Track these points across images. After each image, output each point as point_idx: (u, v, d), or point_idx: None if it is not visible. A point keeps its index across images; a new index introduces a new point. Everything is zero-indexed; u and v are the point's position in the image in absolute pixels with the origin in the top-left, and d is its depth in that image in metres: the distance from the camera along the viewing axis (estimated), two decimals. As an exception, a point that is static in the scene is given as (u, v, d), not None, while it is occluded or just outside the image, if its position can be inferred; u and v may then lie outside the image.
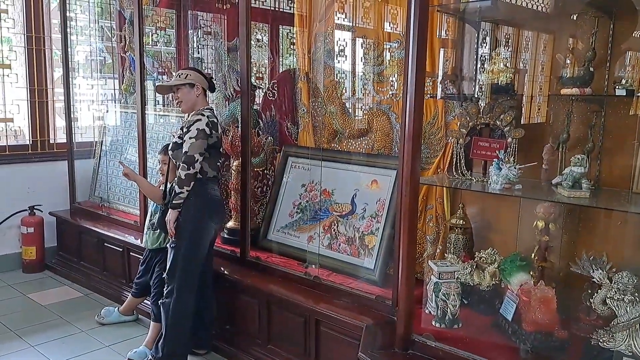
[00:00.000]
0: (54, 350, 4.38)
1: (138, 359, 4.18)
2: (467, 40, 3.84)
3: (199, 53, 5.80)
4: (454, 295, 3.25)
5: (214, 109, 4.35)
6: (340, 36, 4.66)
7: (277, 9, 5.99)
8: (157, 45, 6.17)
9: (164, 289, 3.98)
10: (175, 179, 3.89)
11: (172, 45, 6.23)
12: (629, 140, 2.99)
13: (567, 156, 3.17)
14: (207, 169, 3.92)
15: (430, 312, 3.40)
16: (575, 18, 3.29)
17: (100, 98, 6.57)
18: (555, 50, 3.47)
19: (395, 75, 4.31)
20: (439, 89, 3.94)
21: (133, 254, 5.21)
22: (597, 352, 2.72)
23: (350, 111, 4.75)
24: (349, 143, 4.60)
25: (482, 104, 3.47)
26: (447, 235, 3.80)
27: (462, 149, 3.47)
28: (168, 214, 3.92)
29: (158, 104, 6.09)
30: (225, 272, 4.41)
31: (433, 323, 3.29)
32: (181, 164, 3.82)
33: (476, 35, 3.77)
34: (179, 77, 4.04)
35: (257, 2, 5.66)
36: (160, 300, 4.01)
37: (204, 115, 3.89)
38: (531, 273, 3.21)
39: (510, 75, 3.32)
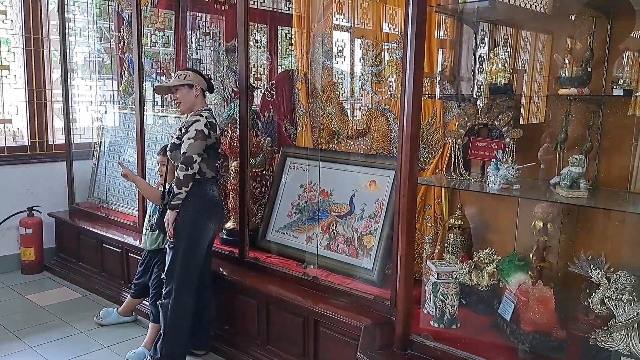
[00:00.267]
0: (53, 351, 4.38)
1: (136, 359, 4.18)
2: (465, 41, 3.84)
3: (197, 54, 5.81)
4: (452, 295, 3.25)
5: (213, 109, 4.36)
6: (339, 37, 4.66)
7: (275, 10, 5.99)
8: (155, 46, 6.17)
9: (163, 290, 3.97)
10: (174, 179, 3.89)
11: (171, 46, 6.23)
12: (627, 140, 3.00)
13: (565, 156, 3.17)
14: (206, 170, 3.92)
15: (428, 312, 3.40)
16: (573, 18, 3.30)
17: (98, 99, 6.58)
18: (553, 50, 3.48)
19: (394, 76, 4.32)
20: (437, 90, 3.94)
21: (132, 255, 5.21)
22: (596, 351, 2.73)
23: (348, 112, 4.75)
24: (348, 143, 4.60)
25: (480, 104, 3.48)
26: (446, 236, 3.80)
27: (461, 149, 3.48)
28: (166, 214, 3.92)
29: (157, 104, 6.10)
30: (224, 272, 4.41)
31: (431, 323, 3.30)
32: (179, 165, 3.82)
33: (474, 35, 3.77)
34: (178, 77, 4.04)
35: (255, 2, 5.66)
36: (159, 301, 4.01)
37: (203, 116, 3.89)
38: (529, 273, 3.22)
39: (509, 75, 3.33)
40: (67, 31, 6.25)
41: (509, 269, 3.23)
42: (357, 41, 4.58)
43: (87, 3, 6.41)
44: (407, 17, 3.02)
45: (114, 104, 6.47)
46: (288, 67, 5.95)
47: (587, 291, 2.94)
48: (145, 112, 5.49)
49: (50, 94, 6.43)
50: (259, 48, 6.04)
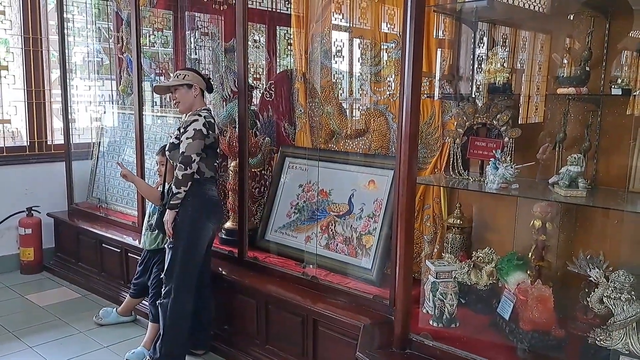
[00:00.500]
0: (52, 351, 4.38)
1: (135, 359, 4.19)
2: (463, 40, 3.84)
3: (196, 54, 5.81)
4: (451, 294, 3.25)
5: (212, 109, 4.36)
6: (337, 37, 4.66)
7: (274, 10, 5.99)
8: (154, 46, 6.17)
9: (162, 290, 3.98)
10: (173, 179, 3.89)
11: (170, 47, 6.24)
12: (625, 140, 3.00)
13: (563, 155, 3.18)
14: (205, 169, 3.92)
15: (427, 311, 3.40)
16: (571, 18, 3.30)
17: (97, 99, 6.58)
18: (552, 50, 3.48)
19: (392, 76, 4.32)
20: (437, 89, 3.95)
21: (131, 255, 5.21)
22: (594, 350, 2.73)
23: (347, 111, 4.75)
24: (346, 143, 4.61)
25: (479, 104, 3.48)
26: (445, 235, 3.81)
27: (459, 149, 3.48)
28: (166, 214, 3.92)
29: (155, 104, 6.10)
30: (223, 272, 4.41)
31: (430, 322, 3.30)
32: (178, 164, 3.82)
33: (473, 35, 3.78)
34: (177, 77, 4.05)
35: (254, 3, 5.66)
36: (158, 301, 4.01)
37: (201, 116, 3.90)
38: (528, 272, 3.22)
39: (507, 75, 3.33)
40: (65, 31, 6.25)
41: (508, 268, 3.23)
42: (356, 41, 4.58)
43: (85, 3, 6.41)
44: (406, 17, 3.02)
45: (112, 104, 6.47)
46: (287, 67, 5.95)
47: (586, 290, 2.94)
48: (144, 112, 5.49)
49: (49, 94, 6.43)
50: (258, 48, 6.04)
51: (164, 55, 6.25)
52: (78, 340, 4.59)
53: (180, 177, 3.80)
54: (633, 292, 2.63)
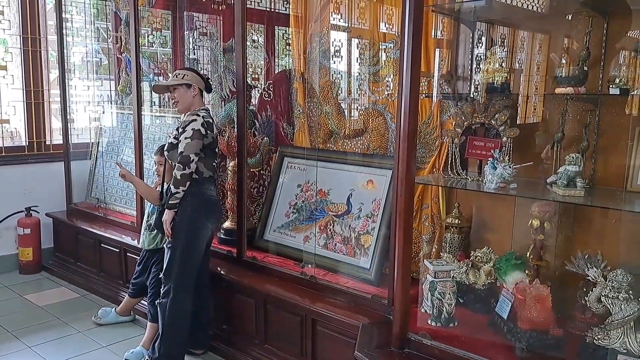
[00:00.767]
0: (51, 351, 4.38)
1: (134, 359, 4.19)
2: (462, 40, 3.84)
3: (194, 54, 5.81)
4: (449, 294, 3.25)
5: (210, 109, 4.36)
6: (336, 37, 4.67)
7: (272, 10, 5.99)
8: (153, 46, 6.18)
9: (161, 289, 3.98)
10: (172, 179, 3.90)
11: (168, 47, 6.24)
12: (623, 139, 3.01)
13: (562, 155, 3.18)
14: (203, 169, 3.92)
15: (426, 311, 3.40)
16: (569, 18, 3.30)
17: (96, 99, 6.58)
18: (550, 50, 3.48)
19: (391, 76, 4.32)
20: (435, 89, 3.95)
21: (130, 255, 5.21)
22: (592, 349, 2.73)
23: (345, 111, 4.75)
24: (345, 143, 4.61)
25: (477, 104, 3.48)
26: (443, 235, 3.81)
27: (458, 149, 3.48)
28: (164, 214, 3.92)
29: (154, 104, 6.10)
30: (222, 272, 4.42)
31: (429, 322, 3.30)
32: (177, 164, 3.82)
33: (471, 35, 3.78)
34: (176, 77, 4.05)
35: (252, 3, 5.66)
36: (157, 301, 4.01)
37: (200, 116, 3.90)
38: (526, 272, 3.22)
39: (505, 74, 3.33)
40: (64, 31, 6.25)
41: (506, 268, 3.23)
42: (354, 41, 4.59)
43: (84, 3, 6.41)
44: (404, 17, 3.03)
45: (111, 104, 6.47)
46: (285, 67, 5.95)
47: (584, 289, 2.94)
48: (142, 112, 5.50)
49: (48, 94, 6.43)
50: (256, 48, 6.05)
51: (163, 55, 6.25)
52: (77, 340, 4.60)
53: (178, 177, 3.80)
54: (631, 291, 2.63)
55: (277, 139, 5.16)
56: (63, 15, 6.23)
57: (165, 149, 4.07)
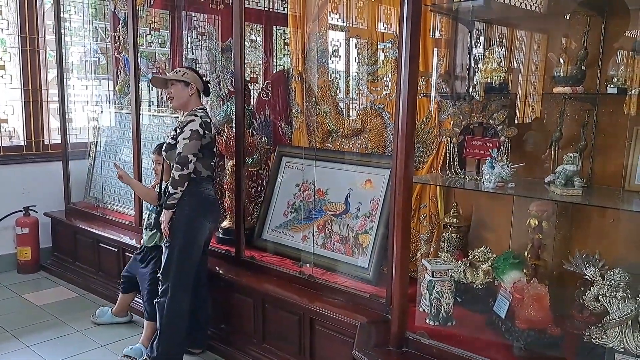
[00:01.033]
0: (50, 351, 4.38)
1: (133, 355, 4.20)
2: (460, 40, 3.85)
3: (193, 54, 5.82)
4: (447, 293, 3.26)
5: (208, 109, 4.36)
6: (334, 36, 4.67)
7: (270, 10, 5.99)
8: (151, 46, 6.18)
9: (159, 288, 3.98)
10: (170, 179, 3.90)
11: (166, 46, 6.24)
12: (621, 139, 3.01)
13: (560, 154, 3.19)
14: (201, 169, 3.92)
15: (424, 310, 3.40)
16: (568, 18, 3.31)
17: (94, 99, 6.58)
18: (548, 49, 3.49)
19: (389, 75, 4.33)
20: (433, 88, 3.95)
21: (128, 254, 5.19)
22: (590, 348, 2.74)
23: (344, 111, 4.76)
24: (343, 143, 4.61)
25: (475, 103, 3.48)
26: (441, 234, 3.81)
27: (456, 148, 3.49)
28: (162, 214, 3.92)
29: (152, 104, 6.10)
30: (220, 271, 4.42)
31: (427, 321, 3.30)
32: (175, 165, 3.83)
33: (469, 34, 3.78)
34: (176, 73, 4.05)
35: (250, 2, 5.67)
36: (155, 300, 4.01)
37: (197, 116, 3.90)
38: (524, 271, 3.22)
39: (503, 74, 3.33)
40: (62, 31, 6.25)
41: (504, 267, 3.23)
42: (353, 40, 4.59)
43: (82, 3, 6.41)
44: (402, 17, 3.03)
45: (109, 103, 6.48)
46: (283, 66, 5.95)
47: (582, 288, 2.95)
48: (141, 112, 5.50)
49: (46, 93, 6.43)
50: (255, 48, 6.05)
51: (161, 55, 6.25)
52: (75, 339, 4.60)
53: (177, 178, 3.80)
54: (628, 290, 2.63)
55: (275, 139, 5.16)
56: (61, 15, 6.23)
57: (163, 149, 4.07)
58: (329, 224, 4.42)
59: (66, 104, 6.33)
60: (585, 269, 2.82)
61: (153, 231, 4.38)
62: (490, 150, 3.19)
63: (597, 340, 2.69)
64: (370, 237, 4.15)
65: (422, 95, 3.90)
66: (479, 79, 3.38)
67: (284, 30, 6.00)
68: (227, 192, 4.88)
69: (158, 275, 4.03)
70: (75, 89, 6.52)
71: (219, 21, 5.80)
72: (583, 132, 3.21)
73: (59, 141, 6.41)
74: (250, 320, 4.17)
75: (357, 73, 4.59)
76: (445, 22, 3.96)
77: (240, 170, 4.52)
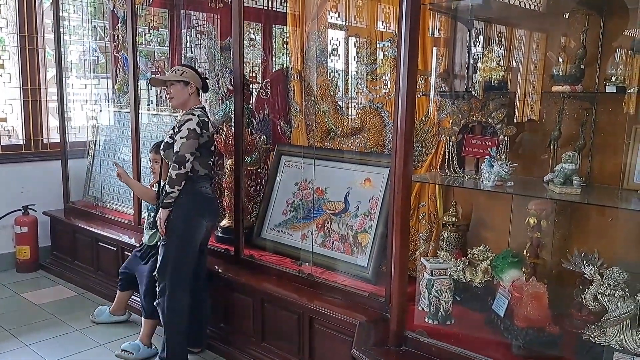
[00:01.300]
0: (49, 350, 4.38)
1: (131, 349, 4.23)
2: (459, 39, 3.85)
3: (192, 52, 5.81)
4: (446, 292, 3.26)
5: (207, 108, 4.35)
6: (333, 35, 4.67)
7: (270, 8, 5.99)
8: (150, 45, 6.18)
9: (157, 287, 3.99)
10: (167, 178, 3.90)
11: (165, 45, 6.24)
12: (620, 137, 3.02)
13: (558, 153, 3.19)
14: (198, 167, 3.92)
15: (423, 308, 3.41)
16: (567, 16, 3.31)
17: (93, 98, 6.57)
18: (547, 48, 3.49)
19: (388, 74, 4.32)
20: (432, 87, 3.95)
21: (127, 253, 5.18)
22: (589, 347, 2.74)
23: (343, 110, 4.76)
24: (342, 141, 4.61)
25: (474, 102, 3.48)
26: (440, 233, 3.81)
27: (455, 147, 3.49)
28: (159, 213, 3.93)
29: (151, 103, 6.10)
30: (219, 270, 4.42)
31: (426, 320, 3.31)
32: (172, 164, 3.82)
33: (468, 33, 3.79)
34: (175, 72, 4.04)
35: (250, 1, 5.67)
36: (155, 301, 4.02)
37: (195, 115, 3.89)
38: (523, 269, 3.22)
39: (503, 73, 3.33)
40: (61, 30, 6.25)
41: (503, 266, 3.23)
42: (352, 39, 4.59)
43: (81, 2, 6.41)
44: (401, 15, 3.03)
45: (108, 102, 6.48)
46: (283, 65, 5.95)
47: (581, 287, 2.95)
48: (140, 111, 5.50)
49: (45, 92, 6.42)
50: (254, 46, 6.05)
51: (160, 54, 6.25)
52: (74, 338, 4.60)
53: (174, 177, 3.80)
54: (627, 289, 2.64)
55: (274, 137, 5.16)
56: (60, 14, 6.23)
57: (161, 148, 4.07)
58: (328, 223, 4.42)
59: (65, 103, 6.32)
60: (584, 268, 2.83)
61: (153, 230, 4.39)
62: (489, 149, 3.19)
63: (596, 338, 2.69)
64: (369, 235, 4.15)
65: (421, 94, 3.91)
66: (478, 77, 3.39)
67: (283, 29, 6.00)
68: (226, 190, 4.87)
69: (154, 274, 4.03)
70: (74, 88, 6.52)
71: (218, 20, 5.79)
72: (582, 131, 3.22)
73: (58, 140, 6.41)
74: (249, 319, 4.17)
75: (356, 72, 4.59)
76: (445, 20, 3.96)
77: (240, 169, 4.52)
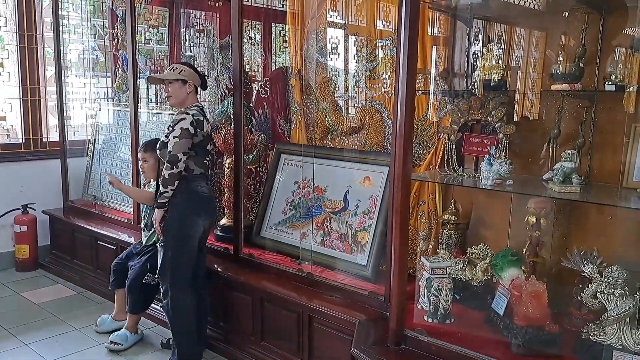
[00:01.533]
0: (48, 349, 4.38)
1: (119, 340, 4.31)
2: (459, 37, 3.85)
3: (191, 51, 5.81)
4: (446, 290, 3.26)
5: (207, 106, 4.34)
6: (333, 33, 4.66)
7: (269, 7, 5.99)
8: (149, 44, 6.18)
9: (160, 289, 4.00)
10: (161, 178, 3.89)
11: (165, 44, 6.24)
12: (619, 136, 3.02)
13: (558, 152, 3.19)
14: (193, 167, 3.90)
15: (422, 307, 3.41)
16: (566, 15, 3.31)
17: (92, 96, 6.56)
18: (547, 46, 3.49)
19: (388, 72, 4.32)
20: (432, 86, 3.95)
21: (126, 252, 5.20)
22: (588, 345, 2.74)
23: (342, 108, 4.75)
24: (342, 140, 4.61)
25: (473, 100, 3.48)
26: (439, 231, 3.81)
27: (454, 145, 3.49)
28: (154, 213, 3.92)
29: (151, 102, 6.09)
30: (219, 269, 4.42)
31: (425, 318, 3.31)
32: (165, 164, 3.81)
33: (468, 32, 3.78)
34: (173, 71, 4.01)
35: (249, 0, 5.66)
36: (160, 305, 4.04)
37: (189, 114, 3.87)
38: (522, 268, 3.22)
39: (502, 71, 3.33)
40: (61, 28, 6.25)
41: (503, 264, 3.23)
42: (351, 38, 4.58)
43: (80, 0, 6.40)
44: (401, 14, 3.03)
45: (108, 101, 6.47)
46: (282, 64, 5.95)
47: (580, 286, 2.95)
48: (139, 110, 5.49)
49: (44, 91, 6.42)
50: (253, 45, 6.05)
51: (159, 53, 6.25)
52: (73, 337, 4.59)
53: (167, 177, 3.79)
54: (626, 288, 2.63)
55: (274, 136, 5.16)
56: (59, 12, 6.22)
57: (157, 147, 4.05)
58: (327, 222, 4.42)
59: (64, 102, 6.32)
60: (584, 266, 2.83)
61: (151, 231, 4.39)
62: (488, 148, 3.19)
63: (595, 337, 2.69)
64: (368, 234, 4.15)
65: (420, 92, 3.90)
66: (478, 76, 3.38)
67: (282, 28, 6.00)
68: (225, 189, 4.87)
69: (156, 277, 4.04)
70: (74, 87, 6.51)
71: (218, 18, 5.79)
72: (581, 130, 3.21)
73: (57, 139, 6.40)
74: (249, 318, 4.17)
75: (356, 70, 4.58)
76: (444, 19, 3.96)
77: (239, 168, 4.52)
